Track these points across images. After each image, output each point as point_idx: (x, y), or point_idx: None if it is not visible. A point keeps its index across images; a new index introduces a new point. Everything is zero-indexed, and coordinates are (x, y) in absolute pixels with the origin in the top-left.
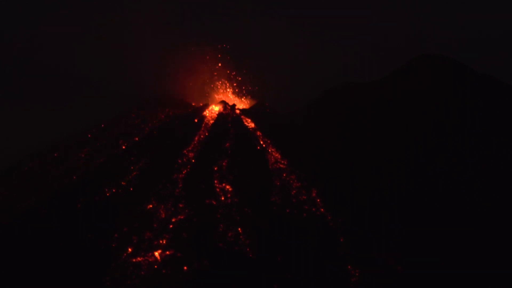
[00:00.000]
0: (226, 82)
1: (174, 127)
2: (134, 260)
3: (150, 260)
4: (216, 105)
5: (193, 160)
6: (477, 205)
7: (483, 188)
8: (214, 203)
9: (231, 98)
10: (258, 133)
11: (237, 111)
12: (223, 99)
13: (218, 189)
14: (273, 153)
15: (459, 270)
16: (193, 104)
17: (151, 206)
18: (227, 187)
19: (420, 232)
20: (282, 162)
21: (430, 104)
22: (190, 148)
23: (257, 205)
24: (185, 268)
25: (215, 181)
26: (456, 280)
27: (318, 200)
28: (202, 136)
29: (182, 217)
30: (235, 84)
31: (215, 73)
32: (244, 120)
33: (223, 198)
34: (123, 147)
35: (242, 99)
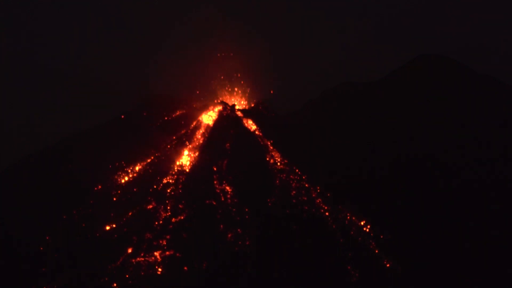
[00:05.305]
0: (226, 82)
1: (175, 127)
2: (134, 260)
3: (150, 260)
4: (216, 105)
5: (193, 161)
6: (478, 205)
7: (483, 188)
8: (214, 203)
9: (231, 98)
10: (258, 133)
11: (237, 111)
12: (223, 100)
13: (218, 190)
14: (273, 153)
15: (459, 270)
16: (194, 104)
17: (151, 206)
18: (227, 187)
19: (420, 233)
20: (282, 162)
21: (430, 104)
22: (190, 149)
23: (257, 205)
24: (185, 268)
25: (215, 182)
26: (456, 280)
27: (318, 200)
28: (202, 137)
29: (182, 217)
30: (235, 85)
31: (217, 74)
32: (244, 120)
33: (223, 199)
34: (124, 148)
35: (242, 99)
